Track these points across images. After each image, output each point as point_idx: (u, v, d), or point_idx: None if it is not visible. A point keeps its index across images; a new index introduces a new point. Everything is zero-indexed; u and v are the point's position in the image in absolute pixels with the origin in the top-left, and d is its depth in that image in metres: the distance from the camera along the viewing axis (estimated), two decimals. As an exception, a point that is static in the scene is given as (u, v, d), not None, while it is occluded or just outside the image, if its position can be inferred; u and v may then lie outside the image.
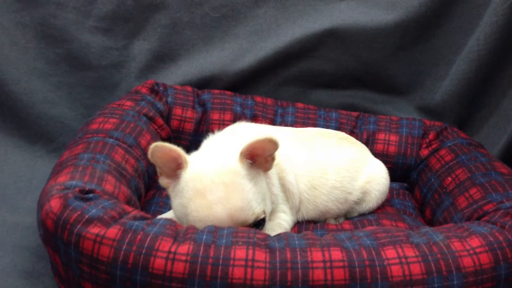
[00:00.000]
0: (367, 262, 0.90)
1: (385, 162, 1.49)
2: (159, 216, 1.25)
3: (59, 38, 1.72)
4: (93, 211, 0.95)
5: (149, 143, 1.40)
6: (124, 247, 0.90)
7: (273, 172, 1.21)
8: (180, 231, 0.96)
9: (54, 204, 0.97)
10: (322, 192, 1.30)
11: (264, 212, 1.08)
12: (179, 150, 1.05)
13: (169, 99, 1.63)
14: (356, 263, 0.90)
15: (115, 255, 0.90)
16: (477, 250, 0.94)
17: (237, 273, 0.87)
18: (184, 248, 0.90)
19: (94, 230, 0.92)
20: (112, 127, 1.34)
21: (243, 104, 1.68)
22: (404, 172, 1.63)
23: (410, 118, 1.70)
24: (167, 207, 1.32)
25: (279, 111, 1.71)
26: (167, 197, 1.35)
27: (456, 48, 1.74)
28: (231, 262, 0.89)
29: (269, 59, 1.76)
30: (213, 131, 1.38)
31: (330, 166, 1.32)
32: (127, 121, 1.40)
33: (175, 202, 1.09)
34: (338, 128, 1.66)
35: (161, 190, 1.40)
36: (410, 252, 0.92)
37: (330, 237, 0.98)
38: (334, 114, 1.70)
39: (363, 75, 1.81)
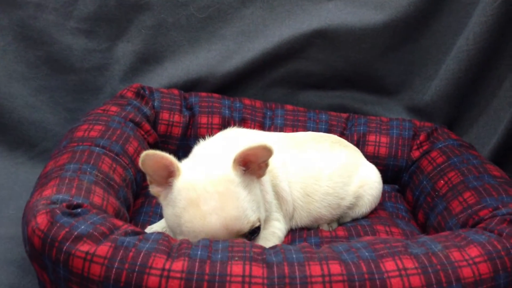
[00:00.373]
0: (366, 276, 0.89)
1: (376, 164, 1.48)
2: (149, 227, 1.23)
3: (39, 41, 1.67)
4: (82, 227, 0.92)
5: (136, 150, 1.37)
6: (116, 265, 0.87)
7: (266, 179, 1.19)
8: (173, 246, 0.94)
9: (41, 220, 0.94)
10: (315, 199, 1.29)
11: (259, 220, 1.06)
12: (171, 158, 1.02)
13: (156, 103, 1.60)
14: (356, 276, 0.88)
15: (106, 273, 0.87)
16: (476, 260, 0.93)
17: (234, 290, 0.85)
18: (179, 265, 0.88)
19: (84, 247, 0.89)
20: (98, 134, 1.31)
21: (231, 106, 1.65)
22: (395, 174, 1.62)
23: (400, 118, 1.69)
24: (157, 217, 1.29)
25: (268, 113, 1.68)
26: (157, 206, 1.33)
27: (445, 48, 1.73)
28: (228, 278, 0.87)
29: (257, 60, 1.73)
30: (201, 135, 1.35)
31: (323, 172, 1.31)
32: (113, 127, 1.36)
33: (167, 211, 1.06)
34: (328, 130, 1.65)
35: (150, 198, 1.37)
36: (409, 264, 0.91)
37: (328, 249, 0.96)
38: (324, 116, 1.68)
39: (352, 75, 1.80)
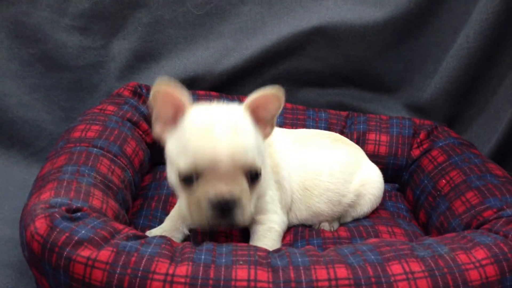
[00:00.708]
0: (373, 279, 0.88)
1: (376, 163, 1.47)
2: (148, 232, 1.20)
3: (33, 38, 1.63)
4: (83, 232, 0.90)
5: (134, 151, 1.35)
6: (118, 271, 0.85)
7: (267, 164, 1.18)
8: (176, 250, 0.92)
9: (40, 225, 0.91)
10: (314, 193, 1.29)
11: (261, 169, 1.05)
12: (184, 94, 1.05)
13: (153, 102, 1.57)
14: (362, 280, 0.87)
15: (108, 279, 0.85)
16: (483, 262, 0.92)
17: (240, 294, 0.84)
18: (183, 270, 0.86)
19: (85, 253, 0.87)
20: (95, 135, 1.28)
21: (230, 105, 1.63)
22: (395, 173, 1.61)
23: (400, 117, 1.67)
24: (157, 221, 1.26)
25: (267, 112, 1.66)
26: (156, 209, 1.31)
27: (445, 45, 1.72)
28: (233, 283, 0.85)
29: (255, 58, 1.71)
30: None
31: (324, 168, 1.31)
32: (111, 128, 1.34)
33: (171, 144, 1.06)
34: (327, 128, 1.63)
35: (149, 200, 1.35)
36: (416, 267, 0.90)
37: (333, 252, 0.95)
38: (323, 114, 1.67)
39: (351, 73, 1.79)
